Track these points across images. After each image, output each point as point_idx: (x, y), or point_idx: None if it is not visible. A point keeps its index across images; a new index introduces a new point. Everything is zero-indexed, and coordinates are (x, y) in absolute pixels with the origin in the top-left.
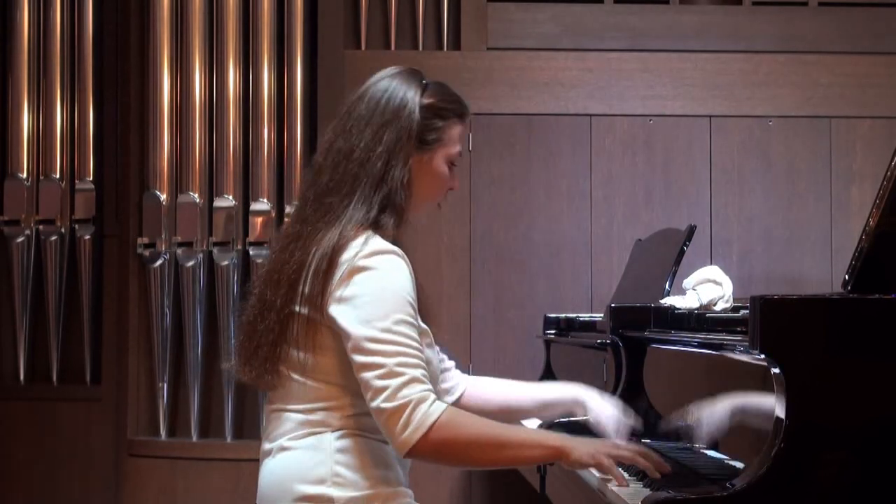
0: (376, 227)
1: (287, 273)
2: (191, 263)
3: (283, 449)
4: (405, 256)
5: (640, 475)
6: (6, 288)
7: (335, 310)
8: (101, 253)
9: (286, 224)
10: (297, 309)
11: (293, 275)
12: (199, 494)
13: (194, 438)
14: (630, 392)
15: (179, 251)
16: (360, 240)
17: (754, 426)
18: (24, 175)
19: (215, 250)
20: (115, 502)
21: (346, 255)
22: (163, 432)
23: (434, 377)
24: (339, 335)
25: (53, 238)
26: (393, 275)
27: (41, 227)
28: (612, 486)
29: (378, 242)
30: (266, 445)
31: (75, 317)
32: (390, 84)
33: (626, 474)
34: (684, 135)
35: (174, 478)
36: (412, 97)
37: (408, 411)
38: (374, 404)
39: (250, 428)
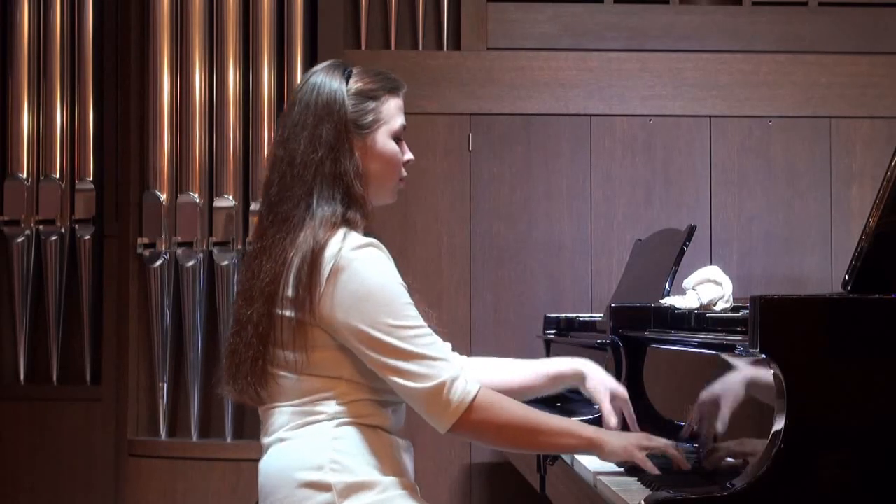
0: (346, 223)
1: (260, 286)
2: (191, 263)
3: (282, 440)
4: (382, 246)
5: (639, 474)
6: (6, 288)
7: (335, 312)
8: (101, 253)
9: (248, 246)
10: (279, 312)
11: (268, 286)
12: (199, 494)
13: (194, 438)
14: (630, 392)
15: (179, 251)
16: (339, 236)
17: (754, 426)
18: (24, 175)
19: (215, 250)
20: (115, 502)
21: (328, 253)
22: (163, 432)
23: (446, 348)
24: (331, 333)
25: (53, 238)
26: (380, 266)
27: (41, 227)
28: (606, 481)
29: (355, 238)
30: (264, 440)
31: (75, 317)
32: (314, 82)
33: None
34: (684, 135)
35: (174, 478)
36: (338, 87)
37: (445, 391)
38: (409, 391)
39: (250, 428)
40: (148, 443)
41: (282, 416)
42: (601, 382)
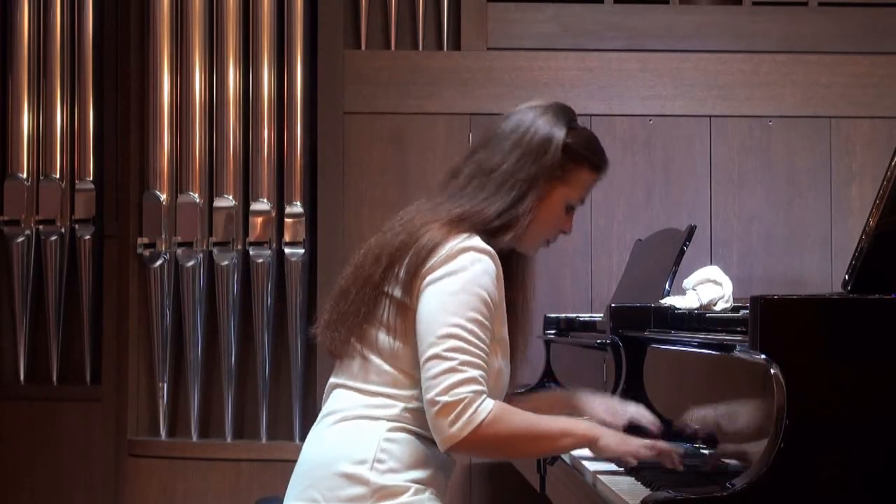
0: (491, 234)
1: (389, 251)
2: (191, 263)
3: (337, 423)
4: (497, 260)
5: (638, 474)
6: (6, 288)
7: (422, 297)
8: (101, 253)
9: (404, 210)
10: (388, 290)
11: (395, 253)
12: (199, 494)
13: (194, 438)
14: (630, 392)
15: (179, 251)
16: (463, 235)
17: (754, 426)
18: (24, 175)
19: (215, 250)
20: (115, 502)
21: (446, 247)
22: (163, 432)
23: (500, 390)
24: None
25: (53, 238)
26: (480, 275)
27: (41, 227)
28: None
29: (477, 241)
30: (322, 415)
31: (75, 317)
32: (542, 115)
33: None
34: (684, 135)
35: (174, 478)
36: (558, 133)
37: (459, 409)
38: (428, 395)
39: (250, 428)
40: (148, 443)
41: (347, 401)
42: (594, 404)
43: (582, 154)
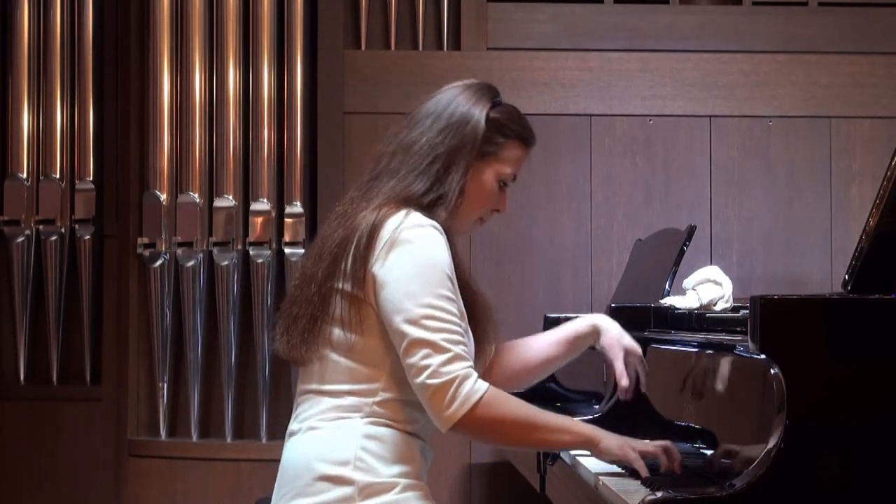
0: (426, 209)
1: (329, 248)
2: (191, 263)
3: (312, 428)
4: (442, 230)
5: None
6: (6, 288)
7: (377, 285)
8: (101, 253)
9: (336, 207)
10: (338, 285)
11: (335, 249)
12: (199, 494)
13: (194, 438)
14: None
15: (179, 251)
16: (401, 213)
17: (754, 426)
18: (24, 175)
19: (215, 250)
20: (115, 502)
21: (387, 229)
22: (163, 432)
23: (470, 353)
24: (376, 309)
25: (53, 238)
26: (432, 249)
27: (41, 227)
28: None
29: (417, 217)
30: (294, 425)
31: (75, 317)
32: (463, 92)
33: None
34: (684, 135)
35: (174, 478)
36: (481, 108)
37: (453, 388)
38: (418, 381)
39: (250, 428)
40: (148, 443)
41: (318, 405)
42: (616, 339)
43: (509, 127)
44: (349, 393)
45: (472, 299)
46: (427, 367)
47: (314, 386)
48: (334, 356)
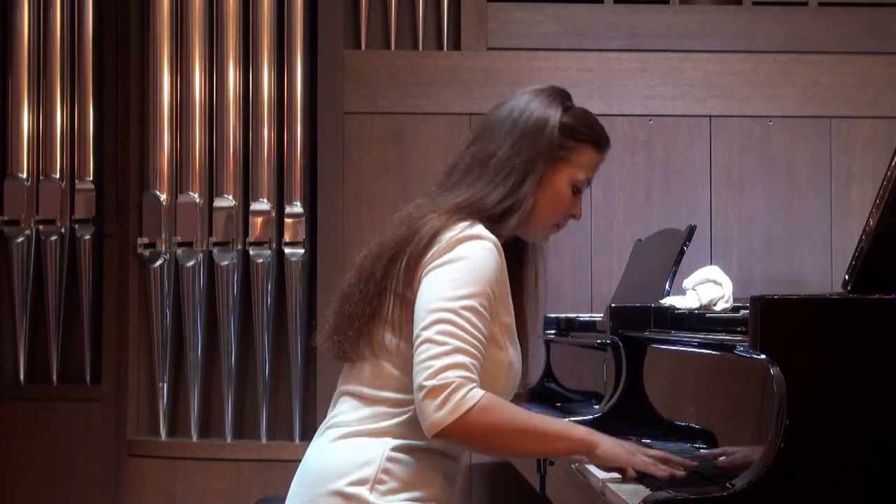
0: (492, 221)
1: (389, 247)
2: (191, 263)
3: (341, 437)
4: (500, 249)
5: (638, 474)
6: (6, 288)
7: (421, 284)
8: (101, 253)
9: (403, 209)
10: (392, 286)
11: (396, 248)
12: (199, 494)
13: (194, 438)
14: (630, 392)
15: (179, 251)
16: (465, 223)
17: (754, 426)
18: (24, 175)
19: (215, 250)
20: (115, 502)
21: (447, 235)
22: (163, 432)
23: (512, 383)
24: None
25: (53, 238)
26: (482, 263)
27: (41, 227)
28: (612, 485)
29: (479, 229)
30: (327, 424)
31: (75, 317)
32: (535, 98)
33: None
34: (684, 135)
35: (174, 478)
36: (553, 114)
37: (446, 392)
38: (416, 380)
39: (250, 428)
40: (148, 443)
41: (354, 410)
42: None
43: (581, 131)
44: (385, 402)
45: (521, 324)
46: (429, 367)
47: (356, 388)
48: (381, 361)
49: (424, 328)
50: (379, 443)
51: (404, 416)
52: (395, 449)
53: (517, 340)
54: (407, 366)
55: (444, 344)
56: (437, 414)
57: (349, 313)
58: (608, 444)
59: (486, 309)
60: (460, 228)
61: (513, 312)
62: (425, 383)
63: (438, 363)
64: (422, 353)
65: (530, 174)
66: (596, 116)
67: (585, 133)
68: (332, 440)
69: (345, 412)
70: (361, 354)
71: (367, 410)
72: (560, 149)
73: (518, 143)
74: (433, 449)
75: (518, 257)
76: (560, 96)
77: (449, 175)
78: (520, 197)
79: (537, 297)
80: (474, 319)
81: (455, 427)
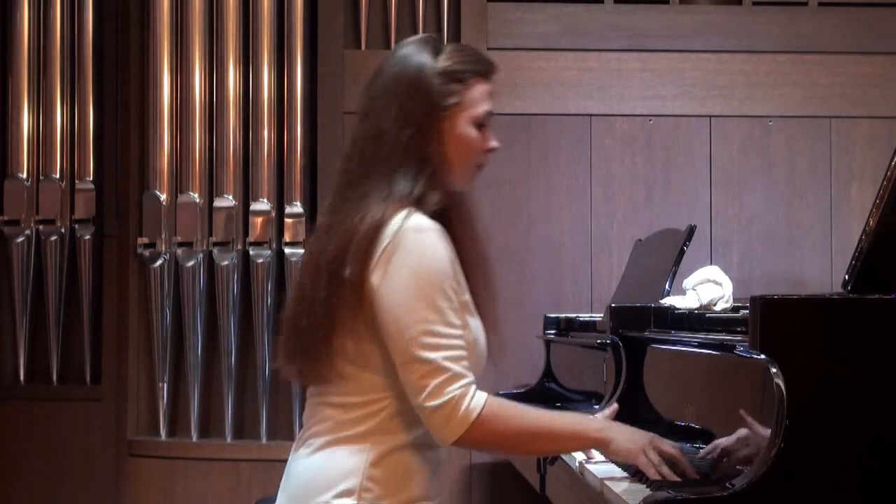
0: (418, 203)
1: (325, 262)
2: (191, 263)
3: (320, 449)
4: (444, 233)
5: (639, 474)
6: (6, 288)
7: (377, 297)
8: (101, 253)
9: (318, 219)
10: (342, 296)
11: (332, 263)
12: (199, 494)
13: (194, 438)
14: (630, 392)
15: (179, 251)
16: (402, 215)
17: (754, 426)
18: (24, 175)
19: (215, 250)
20: (115, 502)
21: (386, 234)
22: (163, 432)
23: (479, 359)
24: (380, 324)
25: (53, 238)
26: (431, 258)
27: (41, 227)
28: (611, 485)
29: (419, 219)
30: (304, 435)
31: (75, 317)
32: (403, 54)
33: (625, 472)
34: (684, 135)
35: (174, 478)
36: (426, 66)
37: (449, 410)
38: (416, 400)
39: (250, 428)
40: (148, 443)
41: (328, 420)
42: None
43: (462, 70)
44: (360, 405)
45: (485, 278)
46: (425, 386)
47: (327, 398)
48: (348, 368)
49: (407, 347)
50: (360, 449)
51: (380, 416)
52: (376, 454)
53: (476, 312)
54: (374, 365)
55: (432, 360)
56: (446, 431)
57: (304, 341)
58: (620, 440)
59: (453, 299)
60: (397, 223)
61: (466, 286)
62: (426, 405)
63: (433, 382)
64: (412, 373)
65: (426, 137)
66: (468, 45)
67: (467, 69)
68: (313, 451)
69: (320, 421)
70: (325, 373)
71: (342, 416)
72: (447, 97)
73: (402, 112)
74: (416, 443)
75: (453, 234)
76: (425, 45)
77: (346, 167)
78: (430, 164)
79: (485, 257)
80: (449, 318)
81: (466, 438)
